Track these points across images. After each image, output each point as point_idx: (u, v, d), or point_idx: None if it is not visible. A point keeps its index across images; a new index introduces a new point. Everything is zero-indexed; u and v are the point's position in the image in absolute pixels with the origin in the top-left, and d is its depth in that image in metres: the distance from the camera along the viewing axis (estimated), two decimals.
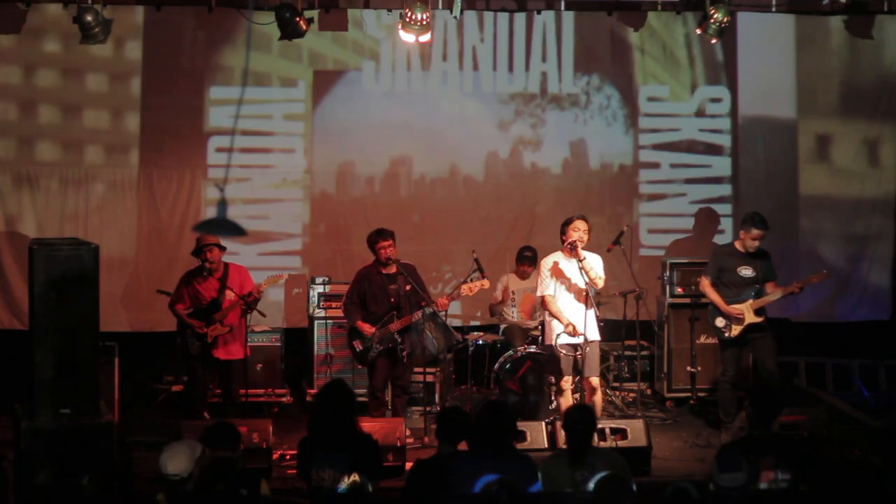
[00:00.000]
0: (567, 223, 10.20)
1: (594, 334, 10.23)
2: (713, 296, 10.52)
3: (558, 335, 10.13)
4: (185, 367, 10.75)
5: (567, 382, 10.20)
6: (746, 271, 10.47)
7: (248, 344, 10.68)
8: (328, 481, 7.14)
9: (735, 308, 10.39)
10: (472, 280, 10.39)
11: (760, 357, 10.53)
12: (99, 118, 12.24)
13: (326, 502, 7.13)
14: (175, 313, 10.55)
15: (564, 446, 9.28)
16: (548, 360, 10.65)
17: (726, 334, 10.47)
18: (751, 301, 10.39)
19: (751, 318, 10.39)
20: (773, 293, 10.48)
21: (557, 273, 10.23)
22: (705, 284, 10.63)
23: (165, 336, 10.34)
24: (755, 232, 10.39)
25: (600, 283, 10.16)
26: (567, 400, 10.17)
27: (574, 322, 10.06)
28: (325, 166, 12.55)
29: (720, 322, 10.49)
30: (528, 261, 11.66)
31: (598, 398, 10.28)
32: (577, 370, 10.13)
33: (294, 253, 12.54)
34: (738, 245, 10.55)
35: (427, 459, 7.30)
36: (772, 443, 6.95)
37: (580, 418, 7.20)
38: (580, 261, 10.00)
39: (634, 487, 6.85)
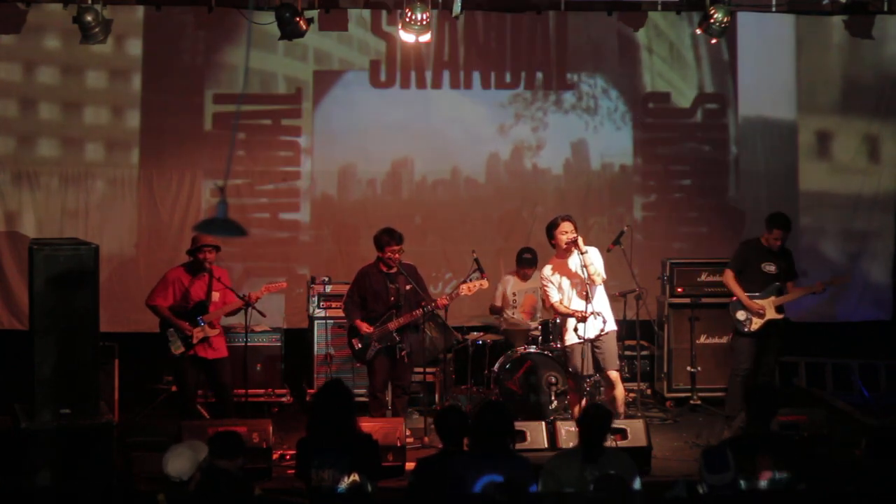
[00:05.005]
0: (553, 227, 10.10)
1: (611, 324, 10.13)
2: (736, 289, 10.61)
3: (575, 328, 9.97)
4: (172, 369, 10.67)
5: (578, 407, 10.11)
6: (769, 267, 10.60)
7: (248, 344, 10.64)
8: (328, 481, 7.14)
9: (757, 303, 10.51)
10: (471, 280, 10.39)
11: (765, 352, 10.62)
12: (99, 115, 12.24)
13: (326, 502, 7.13)
14: (157, 311, 10.24)
15: (565, 446, 9.38)
16: (552, 361, 10.64)
17: (746, 328, 10.58)
18: (773, 298, 10.54)
19: (772, 315, 10.54)
20: (794, 292, 10.66)
21: (560, 272, 10.18)
22: (729, 276, 10.72)
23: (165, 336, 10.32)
24: (776, 232, 10.54)
25: (598, 280, 10.05)
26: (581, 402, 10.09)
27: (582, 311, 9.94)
28: (325, 167, 12.54)
29: (741, 315, 10.60)
30: (528, 263, 11.61)
31: (619, 392, 10.18)
32: (597, 366, 10.06)
33: (295, 254, 12.52)
34: (763, 241, 10.67)
35: (429, 458, 7.30)
36: (769, 441, 6.93)
37: (596, 417, 7.17)
38: (582, 254, 9.97)
39: (639, 486, 6.85)
